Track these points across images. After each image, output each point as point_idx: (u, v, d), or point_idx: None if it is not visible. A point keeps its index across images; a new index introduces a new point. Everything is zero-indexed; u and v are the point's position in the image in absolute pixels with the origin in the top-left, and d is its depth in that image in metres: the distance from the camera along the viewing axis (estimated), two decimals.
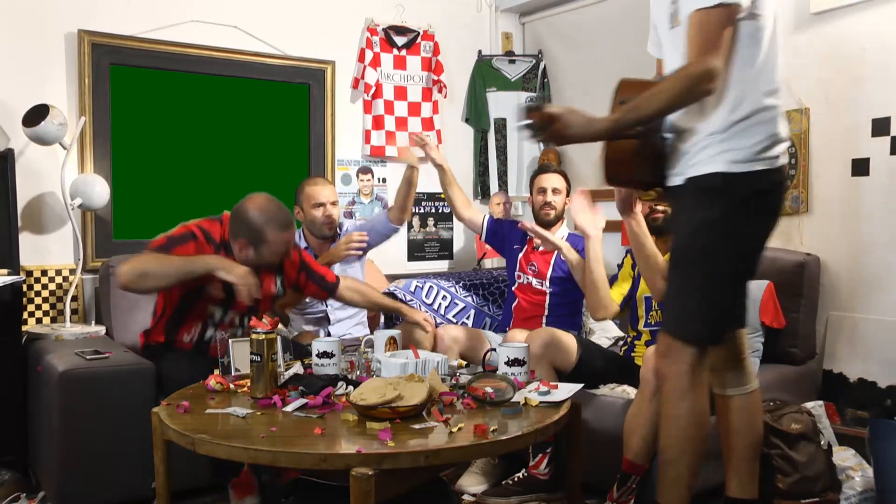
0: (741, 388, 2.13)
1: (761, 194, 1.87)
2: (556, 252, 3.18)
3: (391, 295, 3.43)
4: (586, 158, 4.33)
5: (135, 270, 2.36)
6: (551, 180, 3.26)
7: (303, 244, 3.33)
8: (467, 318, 3.60)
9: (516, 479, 2.67)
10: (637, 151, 2.02)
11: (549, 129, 1.93)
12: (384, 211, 3.45)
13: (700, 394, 1.92)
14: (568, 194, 3.27)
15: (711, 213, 1.87)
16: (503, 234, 3.45)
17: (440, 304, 3.63)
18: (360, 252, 3.30)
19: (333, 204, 3.24)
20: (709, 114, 1.88)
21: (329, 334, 3.25)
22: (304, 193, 3.24)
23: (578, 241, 3.09)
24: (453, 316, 3.62)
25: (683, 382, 1.90)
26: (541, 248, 3.25)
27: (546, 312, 3.21)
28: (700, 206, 1.89)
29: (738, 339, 2.11)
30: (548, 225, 3.21)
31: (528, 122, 1.95)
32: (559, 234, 3.22)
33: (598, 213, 2.87)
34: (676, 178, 1.95)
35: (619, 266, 2.91)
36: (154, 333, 2.63)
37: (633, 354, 2.79)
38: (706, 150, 1.88)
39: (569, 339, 2.67)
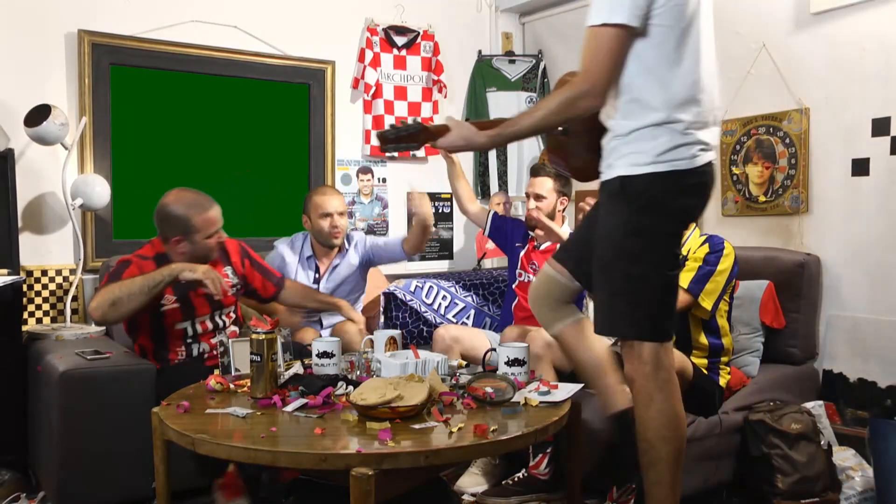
0: (566, 320, 2.19)
1: (667, 195, 1.88)
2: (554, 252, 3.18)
3: (391, 295, 3.44)
4: None
5: (104, 302, 2.41)
6: (534, 185, 3.26)
7: (308, 252, 3.33)
8: (467, 318, 3.60)
9: (516, 479, 2.67)
10: (565, 144, 2.12)
11: (434, 144, 2.05)
12: (399, 239, 3.41)
13: (669, 393, 1.92)
14: (564, 194, 3.26)
15: (619, 217, 1.91)
16: (506, 231, 3.45)
17: (440, 304, 3.63)
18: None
19: (341, 214, 3.26)
20: (616, 116, 1.92)
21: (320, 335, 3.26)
22: (312, 203, 3.26)
23: None
24: (453, 316, 3.62)
25: (649, 384, 1.91)
26: (542, 247, 3.25)
27: None
28: (609, 211, 1.94)
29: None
30: (532, 229, 3.26)
31: (412, 143, 2.06)
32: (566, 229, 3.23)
33: None
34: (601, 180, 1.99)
35: None
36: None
37: None
38: (613, 152, 1.92)
39: None
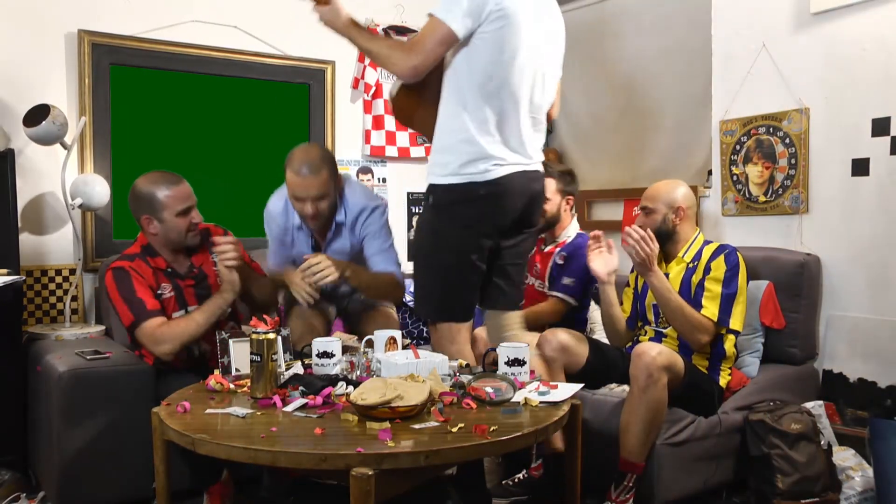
0: None
1: (458, 203, 2.27)
2: (554, 254, 3.18)
3: None
4: (587, 158, 4.33)
5: (177, 345, 2.45)
6: None
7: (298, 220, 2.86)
8: None
9: (517, 479, 2.67)
10: (417, 100, 2.40)
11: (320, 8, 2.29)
12: (385, 273, 2.79)
13: (464, 343, 2.39)
14: (568, 193, 3.24)
15: (425, 217, 2.37)
16: None
17: None
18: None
19: (317, 200, 2.66)
20: (436, 126, 2.31)
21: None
22: (286, 178, 2.73)
23: (584, 238, 3.12)
24: None
25: (443, 344, 2.36)
26: (546, 249, 3.25)
27: None
28: (423, 211, 2.40)
29: (503, 321, 2.48)
30: (540, 231, 3.23)
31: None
32: (565, 235, 3.22)
33: (612, 255, 2.76)
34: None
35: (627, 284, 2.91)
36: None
37: None
38: (429, 161, 2.36)
39: (582, 343, 2.64)
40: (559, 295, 3.13)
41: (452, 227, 2.28)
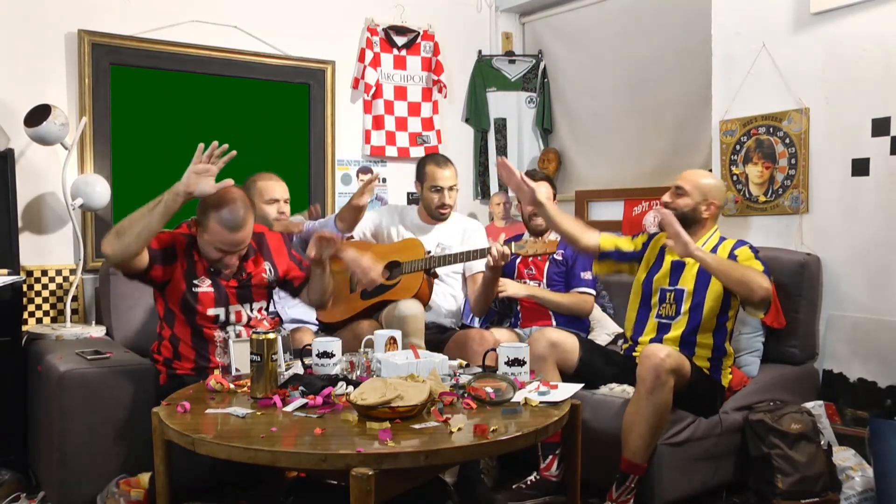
0: None
1: None
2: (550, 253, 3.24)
3: None
4: (586, 158, 4.33)
5: (109, 234, 2.27)
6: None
7: None
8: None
9: (528, 482, 2.67)
10: None
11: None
12: (333, 217, 3.18)
13: None
14: (555, 196, 3.34)
15: None
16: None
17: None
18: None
19: (286, 201, 3.10)
20: None
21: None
22: (256, 188, 3.06)
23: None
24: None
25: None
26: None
27: (551, 313, 3.24)
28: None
29: None
30: (540, 234, 3.30)
31: None
32: (554, 235, 3.24)
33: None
34: None
35: (634, 236, 2.90)
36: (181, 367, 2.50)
37: (633, 353, 2.77)
38: None
39: (571, 340, 2.67)
40: (586, 290, 3.25)
41: None
